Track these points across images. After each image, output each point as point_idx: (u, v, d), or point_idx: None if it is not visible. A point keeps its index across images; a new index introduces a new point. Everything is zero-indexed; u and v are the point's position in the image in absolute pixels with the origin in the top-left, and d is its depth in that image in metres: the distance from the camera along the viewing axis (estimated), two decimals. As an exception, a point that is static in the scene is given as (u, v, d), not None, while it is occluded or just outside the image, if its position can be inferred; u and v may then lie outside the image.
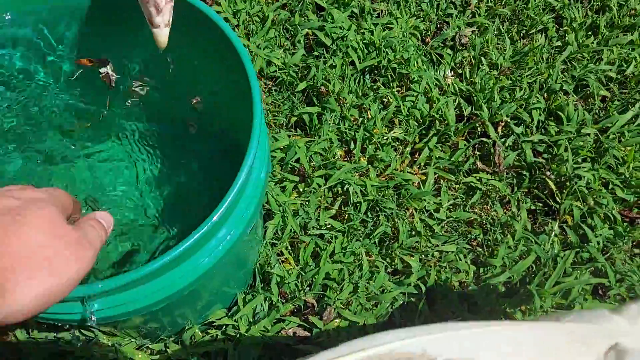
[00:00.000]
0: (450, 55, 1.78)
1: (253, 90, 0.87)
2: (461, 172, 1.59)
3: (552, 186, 1.55)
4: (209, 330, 1.30)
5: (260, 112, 0.88)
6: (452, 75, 1.73)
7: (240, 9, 1.74)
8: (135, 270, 0.75)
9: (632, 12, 1.94)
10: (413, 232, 1.48)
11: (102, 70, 1.13)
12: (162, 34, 0.85)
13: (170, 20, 0.85)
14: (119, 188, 1.20)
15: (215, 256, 0.89)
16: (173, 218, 1.20)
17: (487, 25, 1.85)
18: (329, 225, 1.47)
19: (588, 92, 1.73)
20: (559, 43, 1.85)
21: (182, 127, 1.22)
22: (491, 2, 1.91)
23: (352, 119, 1.64)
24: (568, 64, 1.79)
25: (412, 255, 1.43)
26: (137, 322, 1.09)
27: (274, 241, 1.42)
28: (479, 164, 1.62)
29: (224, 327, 1.29)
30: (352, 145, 1.60)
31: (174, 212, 1.20)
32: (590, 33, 1.88)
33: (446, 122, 1.64)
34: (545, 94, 1.73)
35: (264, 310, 1.32)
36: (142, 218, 1.18)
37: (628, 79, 1.79)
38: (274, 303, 1.32)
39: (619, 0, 1.95)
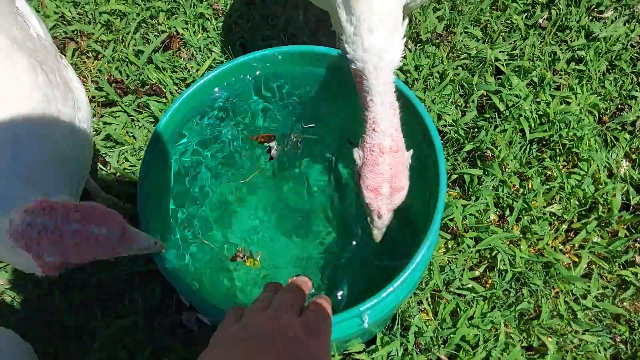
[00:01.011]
0: (627, 139, 1.75)
1: (440, 192, 0.99)
2: (617, 263, 1.57)
3: None
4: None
5: (442, 208, 1.00)
6: (626, 165, 1.70)
7: (423, 64, 1.86)
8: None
9: None
10: (555, 313, 1.50)
11: (271, 144, 1.35)
12: (379, 234, 1.06)
13: (388, 222, 1.01)
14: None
15: (374, 322, 1.02)
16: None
17: (674, 113, 1.78)
18: (471, 286, 1.54)
19: None
20: None
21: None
22: (683, 90, 1.83)
23: (512, 186, 1.69)
24: None
25: (550, 337, 1.46)
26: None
27: (417, 291, 1.53)
28: (638, 259, 1.58)
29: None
30: (508, 213, 1.65)
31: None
32: None
33: (610, 207, 1.63)
34: None
35: (398, 355, 1.43)
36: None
37: None
38: (408, 350, 1.43)
39: None
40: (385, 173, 0.96)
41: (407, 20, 1.05)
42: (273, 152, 1.39)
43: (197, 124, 1.28)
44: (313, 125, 1.39)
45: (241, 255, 1.26)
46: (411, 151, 1.02)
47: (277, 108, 1.36)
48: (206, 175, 1.35)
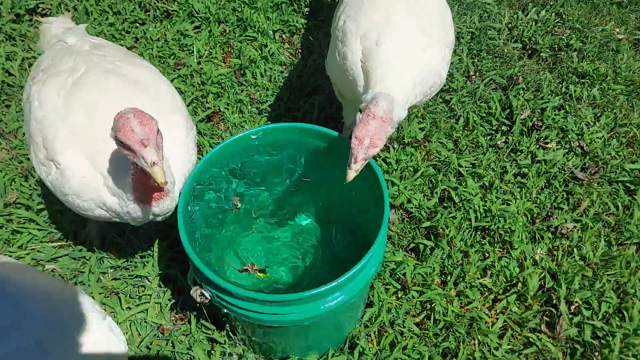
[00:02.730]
0: (550, 238, 2.25)
1: (384, 217, 1.51)
2: (527, 328, 2.00)
3: (598, 366, 1.88)
4: (303, 364, 1.86)
5: (385, 228, 1.51)
6: (541, 253, 2.19)
7: (402, 160, 2.43)
8: (295, 294, 1.39)
9: None
10: (471, 357, 1.92)
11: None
12: (352, 175, 1.52)
13: (359, 170, 1.53)
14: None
15: (330, 306, 1.50)
16: (311, 279, 1.85)
17: (590, 226, 2.28)
18: (410, 328, 1.98)
19: (660, 306, 2.05)
20: (648, 258, 2.20)
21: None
22: (599, 207, 2.35)
23: (456, 259, 2.17)
24: (649, 278, 2.13)
25: (464, 373, 1.87)
26: (268, 337, 1.72)
27: (367, 323, 1.97)
28: (543, 327, 2.02)
29: (314, 366, 1.85)
30: (449, 278, 2.12)
31: (314, 273, 1.84)
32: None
33: (527, 286, 2.09)
34: (621, 294, 2.08)
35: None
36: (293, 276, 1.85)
37: None
38: (363, 354, 1.86)
39: None
40: (370, 130, 1.47)
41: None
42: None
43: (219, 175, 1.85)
44: (309, 179, 1.94)
45: (251, 269, 1.78)
46: (396, 125, 1.53)
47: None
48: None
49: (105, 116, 1.46)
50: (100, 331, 1.34)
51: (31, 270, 1.34)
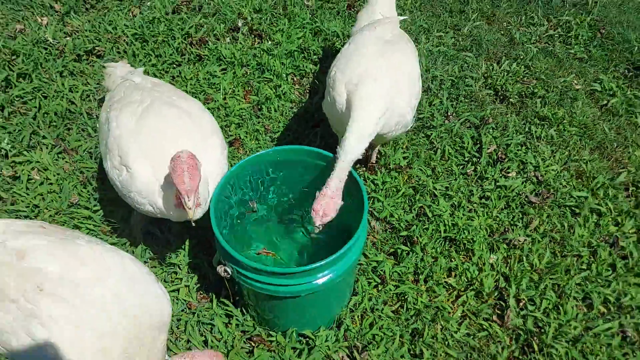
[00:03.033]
0: (505, 248, 2.76)
1: (363, 220, 2.05)
2: (481, 317, 2.50)
3: (536, 347, 2.37)
4: (301, 338, 2.36)
5: (365, 224, 2.05)
6: (494, 259, 2.69)
7: (387, 181, 2.98)
8: (292, 268, 1.92)
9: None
10: (433, 338, 2.41)
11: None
12: (316, 231, 2.12)
13: (321, 228, 2.12)
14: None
15: (321, 282, 2.02)
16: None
17: (539, 240, 2.79)
18: (387, 314, 2.48)
19: (589, 303, 2.54)
20: (584, 267, 2.70)
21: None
22: (547, 226, 2.86)
23: (427, 262, 2.68)
24: (583, 283, 2.62)
25: (428, 349, 2.36)
26: (270, 309, 2.23)
27: (352, 308, 2.48)
28: (495, 318, 2.51)
29: (309, 338, 2.35)
30: (421, 277, 2.63)
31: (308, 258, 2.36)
32: (610, 269, 2.69)
33: (484, 285, 2.59)
34: (560, 294, 2.58)
35: (331, 339, 2.35)
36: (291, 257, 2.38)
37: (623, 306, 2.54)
38: (339, 338, 2.36)
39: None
40: (323, 205, 2.05)
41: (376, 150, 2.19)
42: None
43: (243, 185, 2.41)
44: (307, 189, 2.48)
45: (264, 252, 2.34)
46: (341, 201, 2.10)
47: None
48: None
49: (165, 137, 2.05)
50: (156, 287, 1.88)
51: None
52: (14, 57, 3.46)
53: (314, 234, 2.16)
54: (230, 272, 2.11)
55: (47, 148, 3.01)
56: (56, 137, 3.08)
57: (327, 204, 2.08)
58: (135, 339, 1.73)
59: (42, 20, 3.84)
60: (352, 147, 2.15)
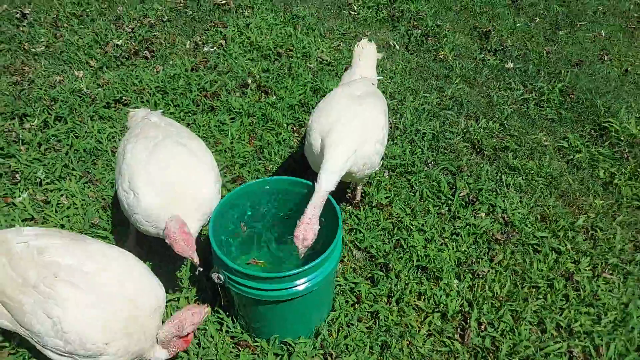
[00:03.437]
0: (470, 277, 3.09)
1: (338, 234, 2.45)
2: (445, 335, 2.81)
3: (490, 361, 2.67)
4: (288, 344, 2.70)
5: (340, 238, 2.44)
6: (459, 283, 3.03)
7: (370, 217, 3.37)
8: (273, 273, 2.32)
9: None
10: (400, 351, 2.72)
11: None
12: (302, 254, 2.55)
13: (304, 253, 2.53)
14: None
15: (299, 289, 2.39)
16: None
17: (501, 272, 3.13)
18: (361, 329, 2.80)
19: (543, 328, 2.85)
20: (540, 296, 3.02)
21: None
22: (511, 261, 3.21)
23: (400, 287, 3.02)
24: (538, 310, 2.94)
25: (395, 359, 2.66)
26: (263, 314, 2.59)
27: (330, 322, 2.81)
28: (457, 337, 2.82)
29: (289, 345, 2.68)
30: (393, 299, 2.96)
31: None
32: (564, 299, 3.00)
33: (448, 308, 2.92)
34: (518, 319, 2.89)
35: (309, 347, 2.68)
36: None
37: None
38: (316, 347, 2.69)
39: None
40: (302, 231, 2.46)
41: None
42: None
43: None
44: (290, 213, 2.89)
45: (254, 262, 2.72)
46: (318, 226, 2.50)
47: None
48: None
49: (171, 170, 2.53)
50: (152, 277, 2.30)
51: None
52: (52, 103, 4.02)
53: (301, 256, 2.55)
54: (222, 279, 2.49)
55: (75, 178, 3.49)
56: (84, 170, 3.56)
57: (305, 230, 2.48)
58: (133, 318, 2.12)
59: (78, 73, 4.44)
60: (325, 181, 2.58)
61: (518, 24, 5.49)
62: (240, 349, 2.68)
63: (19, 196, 3.32)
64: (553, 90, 4.59)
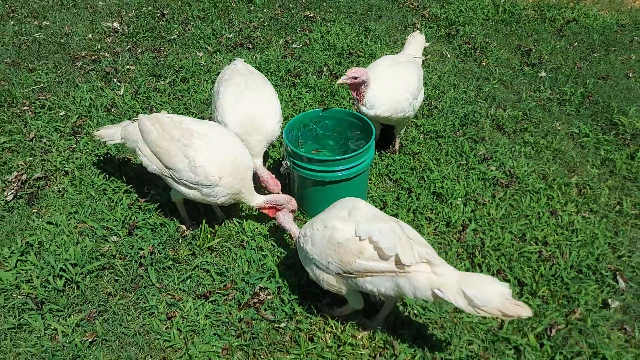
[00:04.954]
0: (474, 204, 4.04)
1: (371, 142, 3.56)
2: (446, 234, 3.77)
3: (477, 254, 3.60)
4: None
5: (373, 143, 3.56)
6: (461, 200, 3.99)
7: (402, 159, 4.43)
8: (323, 157, 3.48)
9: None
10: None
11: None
12: (340, 81, 3.83)
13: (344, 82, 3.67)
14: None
15: (342, 173, 3.51)
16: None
17: (499, 204, 4.04)
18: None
19: (524, 239, 3.73)
20: (526, 221, 3.89)
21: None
22: (508, 197, 4.11)
23: (417, 204, 4.02)
24: (522, 227, 3.82)
25: None
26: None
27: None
28: (455, 238, 3.77)
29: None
30: (411, 209, 3.96)
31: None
32: (546, 224, 3.87)
33: (451, 219, 3.87)
34: (503, 229, 3.79)
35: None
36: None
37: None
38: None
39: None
40: (355, 70, 3.59)
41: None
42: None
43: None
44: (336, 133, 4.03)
45: (315, 152, 3.89)
46: (365, 77, 3.72)
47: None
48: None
49: (248, 111, 3.78)
50: (245, 148, 3.54)
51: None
52: (180, 69, 5.49)
53: (339, 83, 3.78)
54: (288, 166, 3.65)
55: (192, 115, 4.85)
56: (199, 110, 4.92)
57: (357, 70, 3.70)
58: (236, 167, 3.34)
59: (199, 54, 5.93)
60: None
61: (558, 46, 6.42)
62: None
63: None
64: (575, 94, 5.46)
